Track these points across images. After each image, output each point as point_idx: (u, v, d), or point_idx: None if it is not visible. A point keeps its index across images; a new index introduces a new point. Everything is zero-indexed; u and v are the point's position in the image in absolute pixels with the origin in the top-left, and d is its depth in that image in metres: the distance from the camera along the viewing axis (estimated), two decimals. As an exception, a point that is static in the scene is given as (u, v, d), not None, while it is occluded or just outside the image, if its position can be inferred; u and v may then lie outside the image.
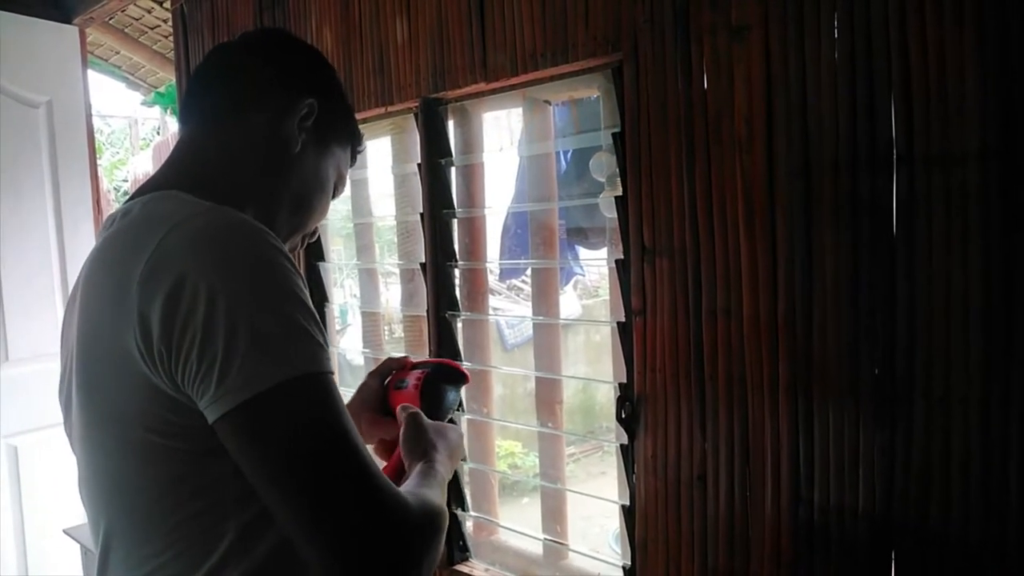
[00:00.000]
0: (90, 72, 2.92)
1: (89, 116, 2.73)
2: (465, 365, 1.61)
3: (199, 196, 0.77)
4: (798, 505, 1.09)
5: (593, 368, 5.39)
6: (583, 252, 2.39)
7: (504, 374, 2.71)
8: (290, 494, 0.65)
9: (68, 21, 2.66)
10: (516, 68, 1.39)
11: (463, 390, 1.18)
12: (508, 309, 4.85)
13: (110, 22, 3.20)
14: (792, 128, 1.06)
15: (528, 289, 5.35)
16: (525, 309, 4.85)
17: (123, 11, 3.01)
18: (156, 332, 0.67)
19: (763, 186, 1.09)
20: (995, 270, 0.92)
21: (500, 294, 5.89)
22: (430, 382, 0.99)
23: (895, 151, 0.98)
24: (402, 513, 0.67)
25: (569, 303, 4.94)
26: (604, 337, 5.02)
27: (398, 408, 0.94)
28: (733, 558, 1.16)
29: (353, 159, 0.99)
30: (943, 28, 0.93)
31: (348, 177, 1.00)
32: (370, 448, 0.85)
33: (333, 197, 0.96)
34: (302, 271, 1.94)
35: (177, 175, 0.84)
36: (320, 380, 0.68)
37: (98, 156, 3.05)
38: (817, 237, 1.05)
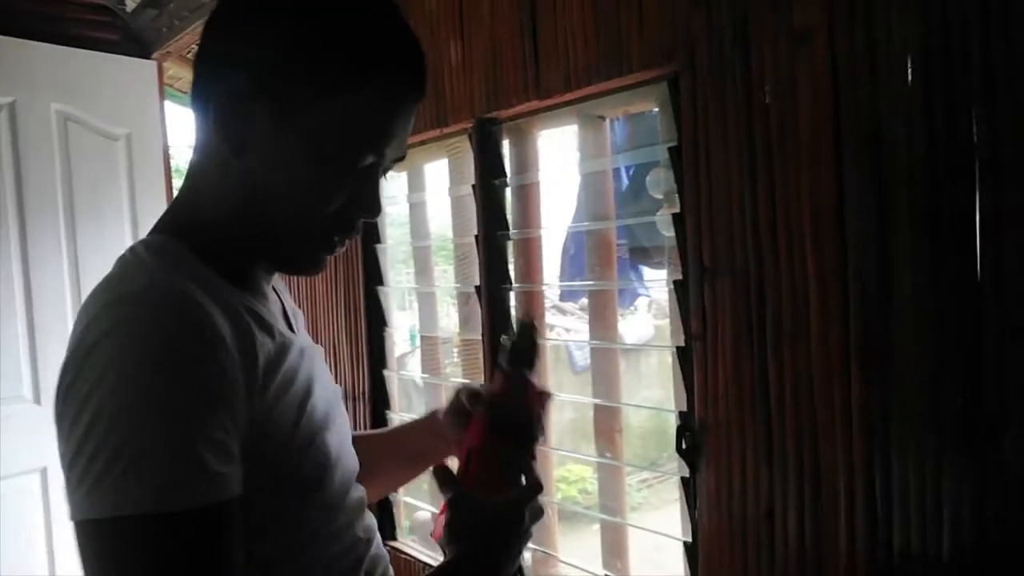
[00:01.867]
0: (168, 104, 3.03)
1: (166, 147, 2.82)
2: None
3: (172, 232, 0.73)
4: (875, 547, 0.99)
5: (664, 390, 5.25)
6: (647, 272, 2.32)
7: (569, 399, 2.65)
8: None
9: (147, 56, 2.77)
10: (569, 84, 1.35)
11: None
12: (577, 329, 4.77)
13: (187, 55, 3.31)
14: (863, 138, 0.98)
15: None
16: (597, 331, 4.76)
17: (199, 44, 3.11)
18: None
19: (832, 201, 1.01)
20: (1097, 289, 0.82)
21: (571, 314, 5.81)
22: (486, 448, 0.83)
23: (977, 158, 0.89)
24: None
25: (641, 323, 4.83)
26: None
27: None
28: (805, 603, 1.07)
29: (396, 98, 0.70)
30: (1030, 22, 0.84)
31: (393, 145, 0.72)
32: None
33: (372, 157, 0.70)
34: (360, 294, 1.93)
35: (170, 211, 0.78)
36: (154, 523, 0.56)
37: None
38: (892, 255, 0.96)
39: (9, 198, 2.40)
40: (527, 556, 1.60)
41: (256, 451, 0.66)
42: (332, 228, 0.74)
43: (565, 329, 5.25)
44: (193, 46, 3.02)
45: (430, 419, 0.99)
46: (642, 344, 4.82)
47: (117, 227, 2.65)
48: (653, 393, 4.70)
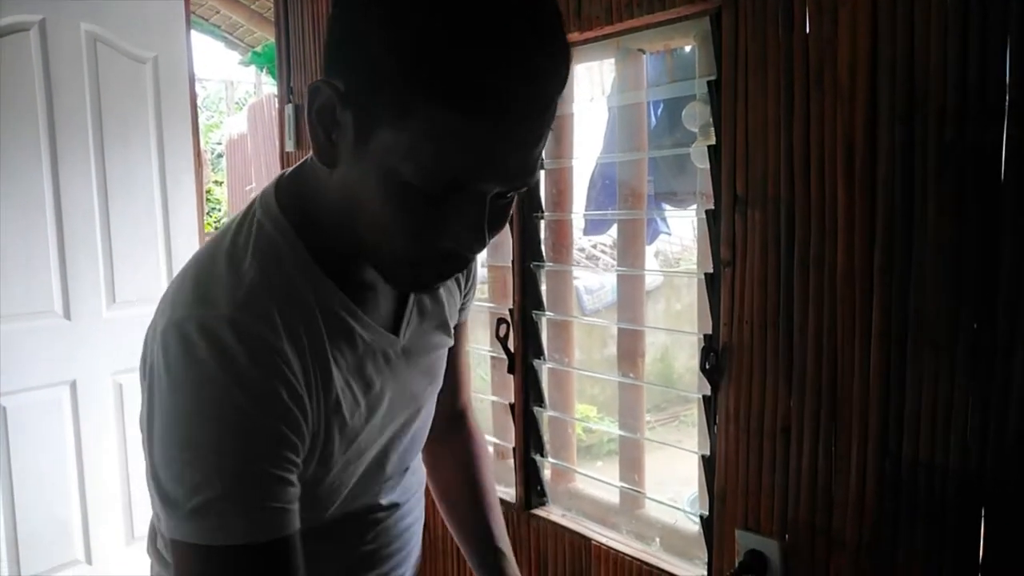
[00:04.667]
0: (193, 32, 3.04)
1: (192, 72, 2.84)
2: (547, 315, 1.64)
3: (292, 211, 0.73)
4: (885, 459, 1.08)
5: (673, 337, 5.35)
6: (670, 212, 2.37)
7: (581, 338, 2.73)
8: None
9: (174, -20, 2.77)
10: (611, 17, 1.38)
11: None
12: (583, 278, 4.85)
13: (212, -18, 3.31)
14: (897, 74, 1.03)
15: (606, 259, 5.34)
16: (602, 278, 4.84)
17: (225, -29, 3.11)
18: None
19: (864, 135, 1.07)
20: (1112, 221, 0.88)
21: (577, 263, 5.89)
22: None
23: (1008, 97, 0.95)
24: None
25: (651, 268, 4.91)
26: (684, 306, 4.98)
27: None
28: (815, 512, 1.16)
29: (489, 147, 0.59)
30: (1069, -35, 0.89)
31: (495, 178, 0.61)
32: None
33: (461, 185, 0.61)
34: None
35: (294, 181, 0.77)
36: (240, 552, 0.64)
37: (197, 113, 3.18)
38: (920, 187, 1.02)
39: (41, 116, 2.44)
40: (547, 472, 1.69)
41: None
42: (427, 255, 0.67)
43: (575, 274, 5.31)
44: (219, -28, 3.03)
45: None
46: (673, 271, 4.92)
47: (143, 149, 2.69)
48: (659, 339, 4.80)
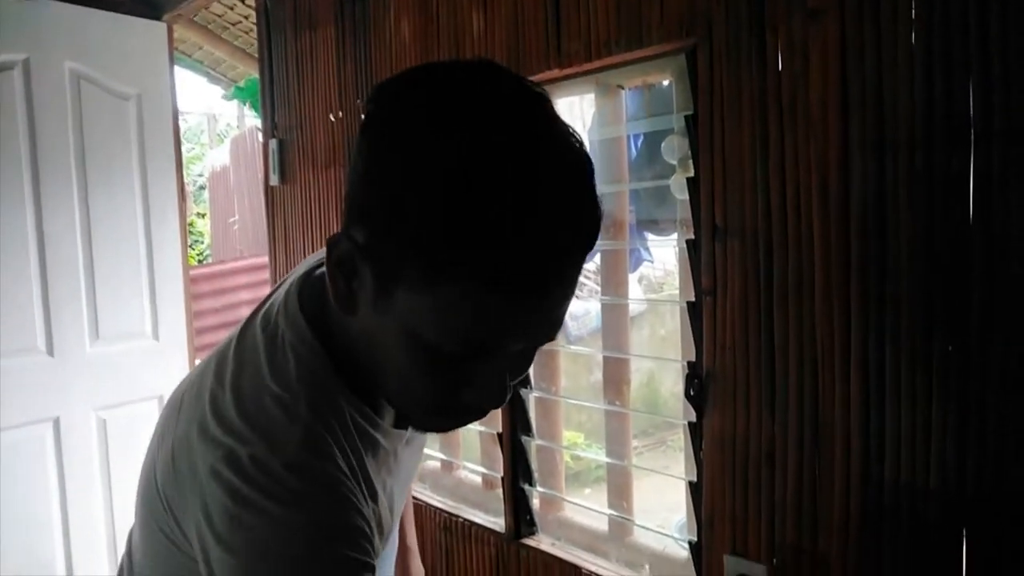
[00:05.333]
0: (176, 67, 3.07)
1: (175, 109, 2.86)
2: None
3: (317, 326, 0.71)
4: (868, 482, 1.10)
5: (657, 364, 5.38)
6: (653, 240, 2.41)
7: (567, 366, 2.75)
8: None
9: (158, 18, 2.80)
10: (590, 54, 1.42)
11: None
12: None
13: (195, 19, 3.34)
14: (867, 108, 1.07)
15: (590, 284, 5.38)
16: (586, 304, 4.87)
17: (207, 8, 3.14)
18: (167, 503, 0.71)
19: (837, 166, 1.10)
20: (1075, 247, 0.92)
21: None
22: None
23: (972, 129, 0.99)
24: None
25: (634, 294, 4.95)
26: (668, 332, 5.01)
27: None
28: (801, 535, 1.18)
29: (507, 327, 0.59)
30: (1025, 5, 0.93)
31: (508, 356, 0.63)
32: None
33: (480, 347, 0.60)
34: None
35: (314, 286, 0.75)
36: None
37: (181, 147, 3.20)
38: (891, 215, 1.06)
39: (24, 154, 2.45)
40: (535, 501, 1.70)
41: None
42: (449, 407, 0.67)
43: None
44: (202, 9, 3.07)
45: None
46: (655, 298, 4.96)
47: (127, 185, 2.70)
48: (644, 364, 4.83)
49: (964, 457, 1.01)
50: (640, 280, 5.22)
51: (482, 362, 0.61)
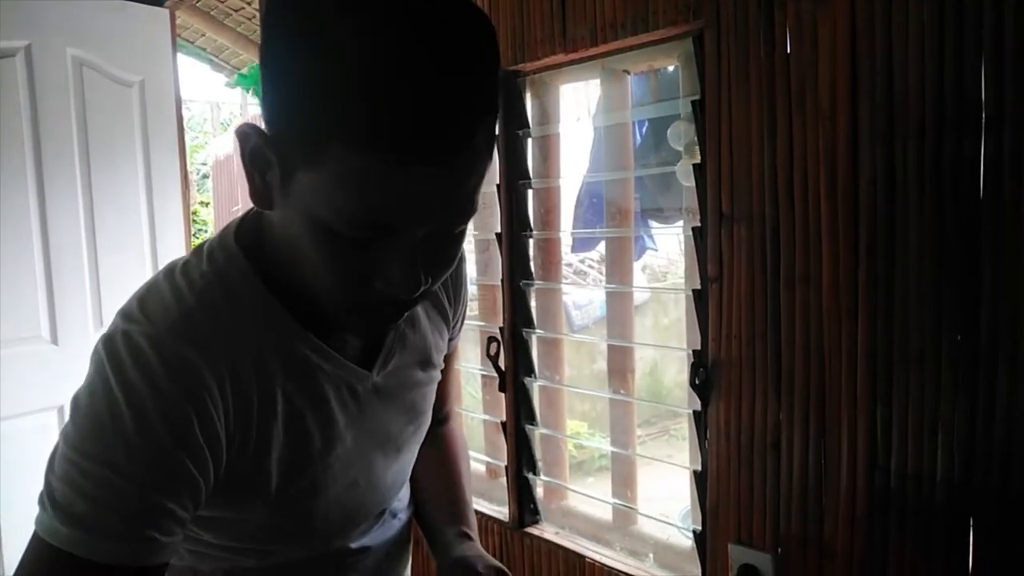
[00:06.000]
0: (179, 55, 3.05)
1: (178, 95, 2.85)
2: (537, 333, 1.65)
3: (249, 244, 0.73)
4: (874, 472, 1.09)
5: (661, 352, 5.37)
6: (656, 228, 2.40)
7: (571, 355, 2.73)
8: None
9: (160, 4, 2.78)
10: (596, 38, 1.40)
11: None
12: (572, 293, 4.87)
13: (197, 5, 3.33)
14: (877, 92, 1.06)
15: (594, 274, 5.36)
16: (590, 293, 4.86)
17: (210, -6, 3.13)
18: None
19: (846, 152, 1.09)
20: (1088, 234, 0.90)
21: (566, 278, 5.90)
22: None
23: (984, 114, 0.97)
24: None
25: (638, 283, 4.93)
26: (672, 321, 5.00)
27: None
28: (806, 524, 1.17)
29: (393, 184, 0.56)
30: (1039, -13, 0.91)
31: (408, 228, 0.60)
32: None
33: (379, 228, 0.59)
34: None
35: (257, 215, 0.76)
36: (73, 564, 0.62)
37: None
38: (901, 201, 1.04)
39: (27, 141, 2.44)
40: (539, 490, 1.69)
41: (228, 487, 0.71)
42: (364, 300, 0.66)
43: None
44: (205, -5, 3.05)
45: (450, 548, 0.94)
46: (660, 287, 4.95)
47: (130, 172, 2.69)
48: (648, 353, 4.82)
49: (972, 447, 1.00)
50: (644, 269, 5.21)
51: (386, 247, 0.61)
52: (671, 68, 1.47)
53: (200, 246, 0.75)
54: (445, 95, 0.55)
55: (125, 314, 0.69)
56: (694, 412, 1.32)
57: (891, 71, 1.04)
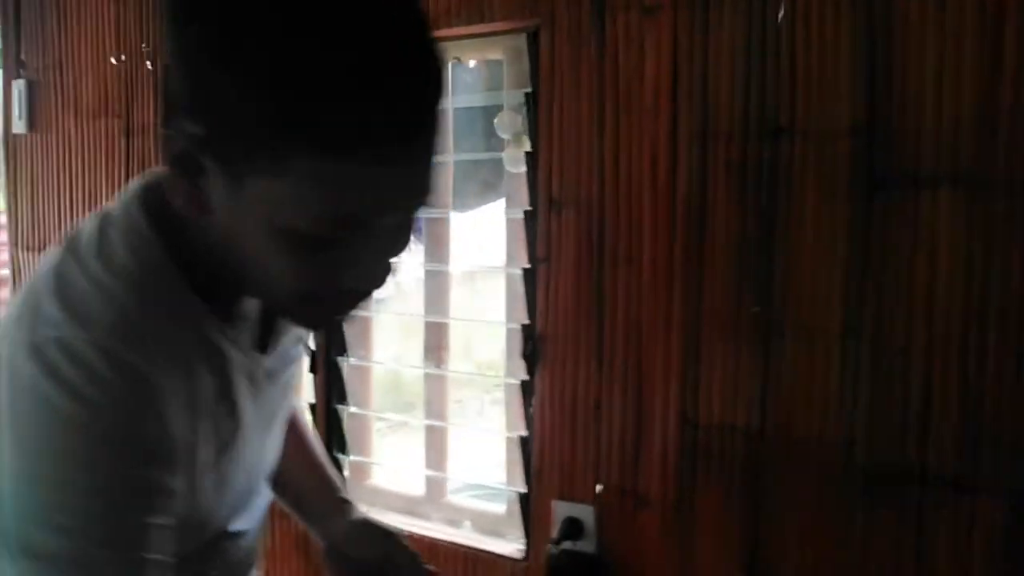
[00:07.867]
0: None
1: None
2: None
3: (156, 216, 0.66)
4: (684, 425, 1.26)
5: (474, 328, 5.40)
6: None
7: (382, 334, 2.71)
8: None
9: None
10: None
11: None
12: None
13: None
14: (694, 99, 1.23)
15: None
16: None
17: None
18: None
19: (667, 149, 1.25)
20: (856, 227, 1.13)
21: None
22: None
23: (779, 124, 1.17)
24: None
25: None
26: (485, 298, 5.04)
27: None
28: (624, 477, 1.32)
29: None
30: (824, 23, 1.13)
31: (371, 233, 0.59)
32: None
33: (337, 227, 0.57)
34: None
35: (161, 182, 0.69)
36: None
37: None
38: (712, 194, 1.22)
39: None
40: (346, 471, 1.69)
41: None
42: (326, 295, 0.63)
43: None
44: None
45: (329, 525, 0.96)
46: (491, 266, 4.97)
47: None
48: (460, 330, 4.86)
49: (764, 400, 1.21)
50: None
51: (353, 240, 0.58)
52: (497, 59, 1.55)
53: (101, 225, 0.67)
54: (409, 84, 0.55)
55: (44, 316, 0.61)
56: (521, 382, 1.42)
57: (706, 81, 1.21)
